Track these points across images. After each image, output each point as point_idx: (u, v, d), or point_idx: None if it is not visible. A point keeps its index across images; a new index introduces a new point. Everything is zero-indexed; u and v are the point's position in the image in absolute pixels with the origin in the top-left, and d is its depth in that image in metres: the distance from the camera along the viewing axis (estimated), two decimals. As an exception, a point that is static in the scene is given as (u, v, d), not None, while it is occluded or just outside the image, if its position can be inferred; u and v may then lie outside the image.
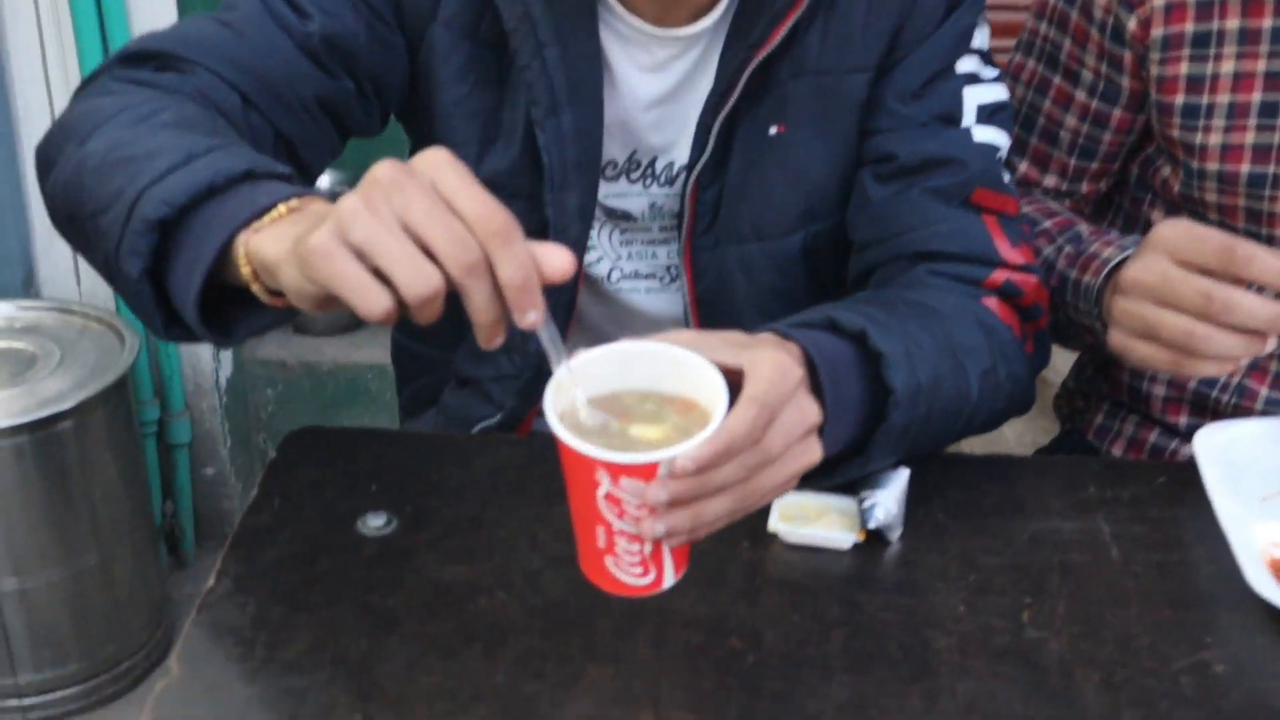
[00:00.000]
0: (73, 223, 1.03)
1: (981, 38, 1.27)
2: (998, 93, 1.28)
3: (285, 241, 0.83)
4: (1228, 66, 1.31)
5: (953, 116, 1.25)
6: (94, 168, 1.00)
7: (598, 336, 1.27)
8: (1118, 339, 1.16)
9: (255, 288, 0.88)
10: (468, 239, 0.76)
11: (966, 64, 1.26)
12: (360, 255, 0.77)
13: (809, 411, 0.89)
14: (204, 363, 2.50)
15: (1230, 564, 1.03)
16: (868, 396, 1.03)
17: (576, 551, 0.89)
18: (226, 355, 2.55)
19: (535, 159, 1.23)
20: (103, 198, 0.96)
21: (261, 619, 0.98)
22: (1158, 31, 1.31)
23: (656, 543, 0.85)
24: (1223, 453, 1.13)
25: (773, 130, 1.24)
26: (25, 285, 2.39)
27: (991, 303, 1.20)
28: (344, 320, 2.67)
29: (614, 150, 1.28)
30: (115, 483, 2.22)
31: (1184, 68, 1.32)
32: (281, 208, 0.87)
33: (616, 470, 0.81)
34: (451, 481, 1.14)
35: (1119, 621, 1.00)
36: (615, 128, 1.26)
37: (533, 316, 0.78)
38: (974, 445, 1.47)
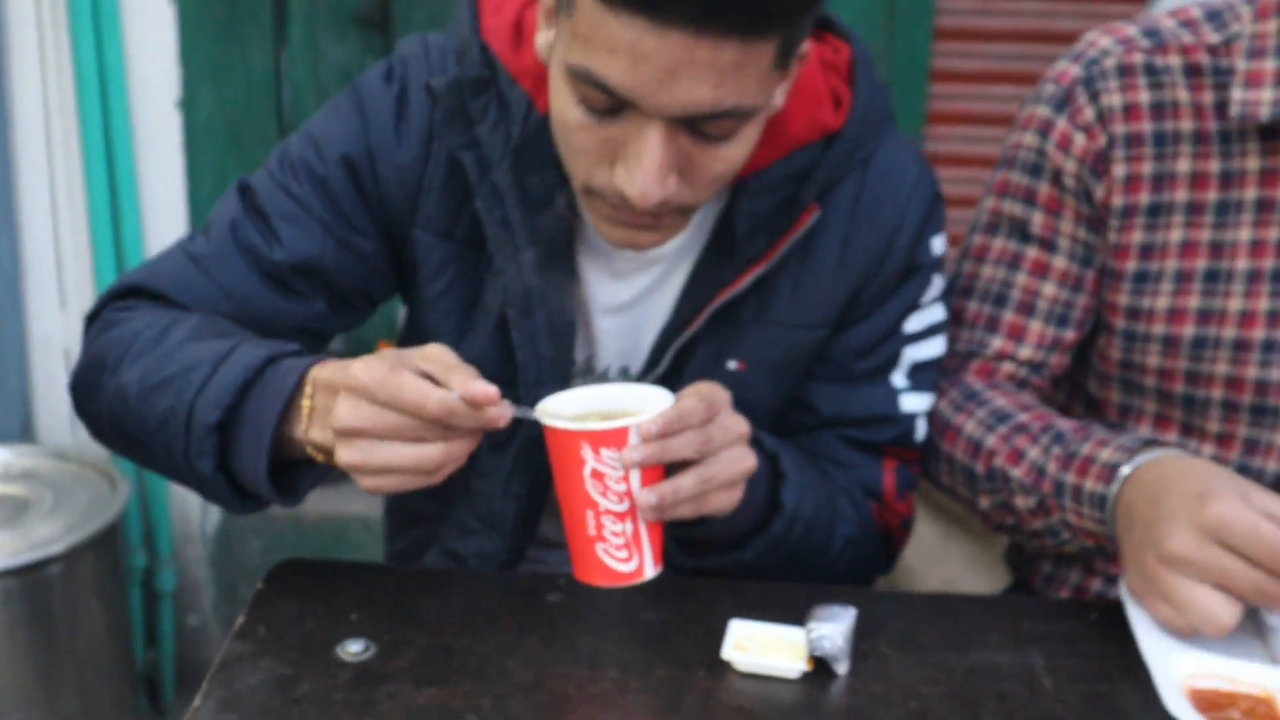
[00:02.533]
0: (130, 442, 1.19)
1: (936, 288, 1.38)
2: (935, 346, 1.39)
3: (327, 430, 1.07)
4: (1176, 235, 1.41)
5: (888, 370, 1.38)
6: (136, 395, 1.15)
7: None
8: (1147, 592, 1.19)
9: (325, 461, 1.11)
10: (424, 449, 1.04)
11: (914, 322, 1.38)
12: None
13: (740, 422, 1.10)
14: (192, 512, 2.57)
15: (1153, 694, 1.11)
16: (764, 503, 1.22)
17: (571, 560, 1.08)
18: (214, 508, 2.61)
19: (510, 353, 1.31)
20: (155, 417, 1.14)
21: (244, 736, 1.05)
22: (1118, 200, 1.42)
23: (636, 528, 1.03)
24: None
25: (732, 365, 1.33)
26: (22, 431, 2.47)
27: (873, 506, 1.39)
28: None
29: (575, 351, 1.35)
30: (100, 629, 2.27)
31: (1137, 236, 1.42)
32: (306, 397, 1.08)
33: (597, 440, 1.03)
34: (428, 612, 1.21)
35: (1049, 747, 1.07)
36: (579, 329, 1.34)
37: (502, 422, 1.03)
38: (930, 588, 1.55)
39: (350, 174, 1.27)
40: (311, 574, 1.28)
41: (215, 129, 2.53)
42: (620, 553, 1.05)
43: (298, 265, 1.26)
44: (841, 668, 1.14)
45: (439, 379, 1.02)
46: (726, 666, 1.14)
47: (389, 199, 1.28)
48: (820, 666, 1.14)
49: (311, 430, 1.08)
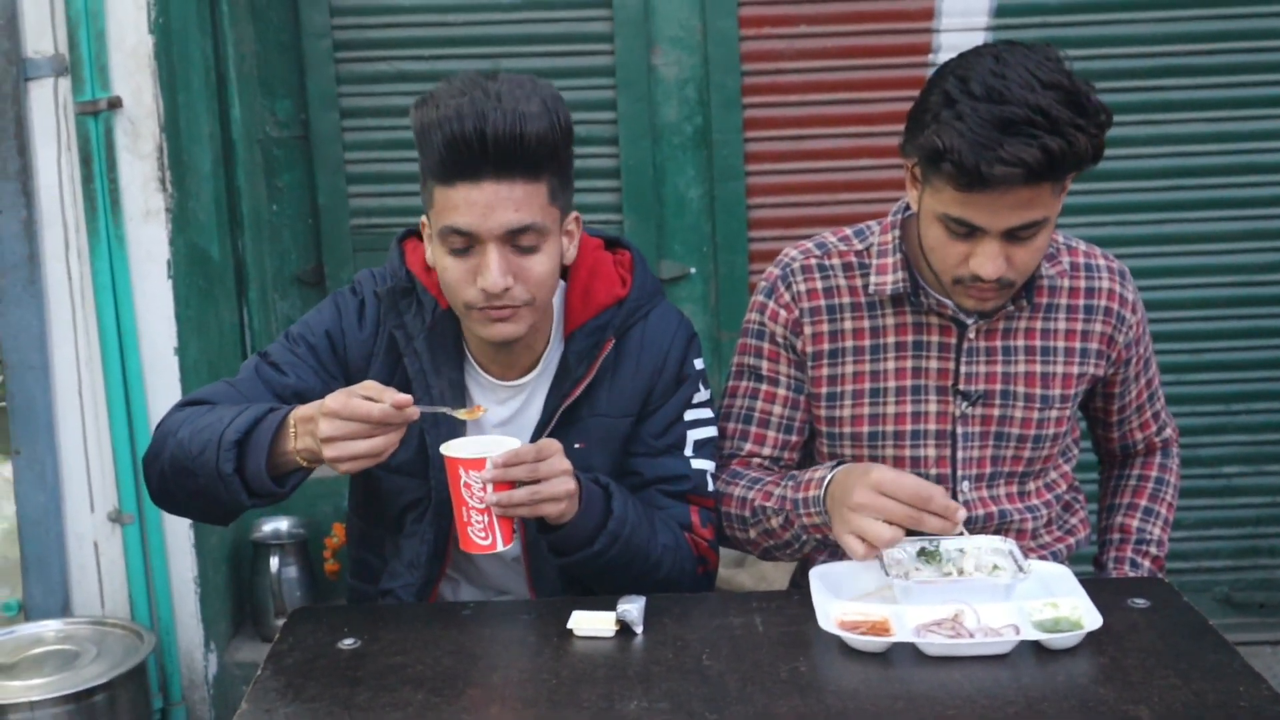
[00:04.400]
0: (182, 472, 1.95)
1: (702, 394, 2.21)
2: (709, 430, 2.22)
3: (310, 440, 1.82)
4: (849, 369, 2.26)
5: (680, 447, 2.19)
6: (189, 438, 1.95)
7: (467, 559, 2.19)
8: (841, 532, 2.03)
9: (305, 465, 1.86)
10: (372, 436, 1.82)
11: (691, 414, 2.21)
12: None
13: (565, 463, 1.88)
14: (197, 663, 3.29)
15: (820, 627, 1.89)
16: (602, 511, 1.98)
17: (458, 538, 1.89)
18: (214, 657, 3.34)
19: (425, 450, 2.11)
20: (200, 445, 1.92)
21: None
22: (809, 349, 2.27)
23: (491, 519, 1.81)
24: (824, 574, 2.02)
25: (576, 445, 2.12)
26: (62, 608, 3.20)
27: (686, 534, 2.15)
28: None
29: None
30: (134, 749, 2.98)
31: (825, 370, 2.27)
32: (290, 426, 1.86)
33: (467, 464, 1.85)
34: (390, 624, 1.98)
35: (758, 659, 1.85)
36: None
37: (414, 416, 1.81)
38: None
39: (330, 343, 2.12)
40: (317, 613, 2.05)
41: (200, 368, 3.34)
42: (482, 533, 1.86)
43: (297, 391, 2.07)
44: (638, 628, 1.93)
45: (375, 398, 1.80)
46: (570, 633, 1.92)
47: (353, 360, 2.13)
48: (625, 629, 1.92)
49: (297, 443, 1.86)
